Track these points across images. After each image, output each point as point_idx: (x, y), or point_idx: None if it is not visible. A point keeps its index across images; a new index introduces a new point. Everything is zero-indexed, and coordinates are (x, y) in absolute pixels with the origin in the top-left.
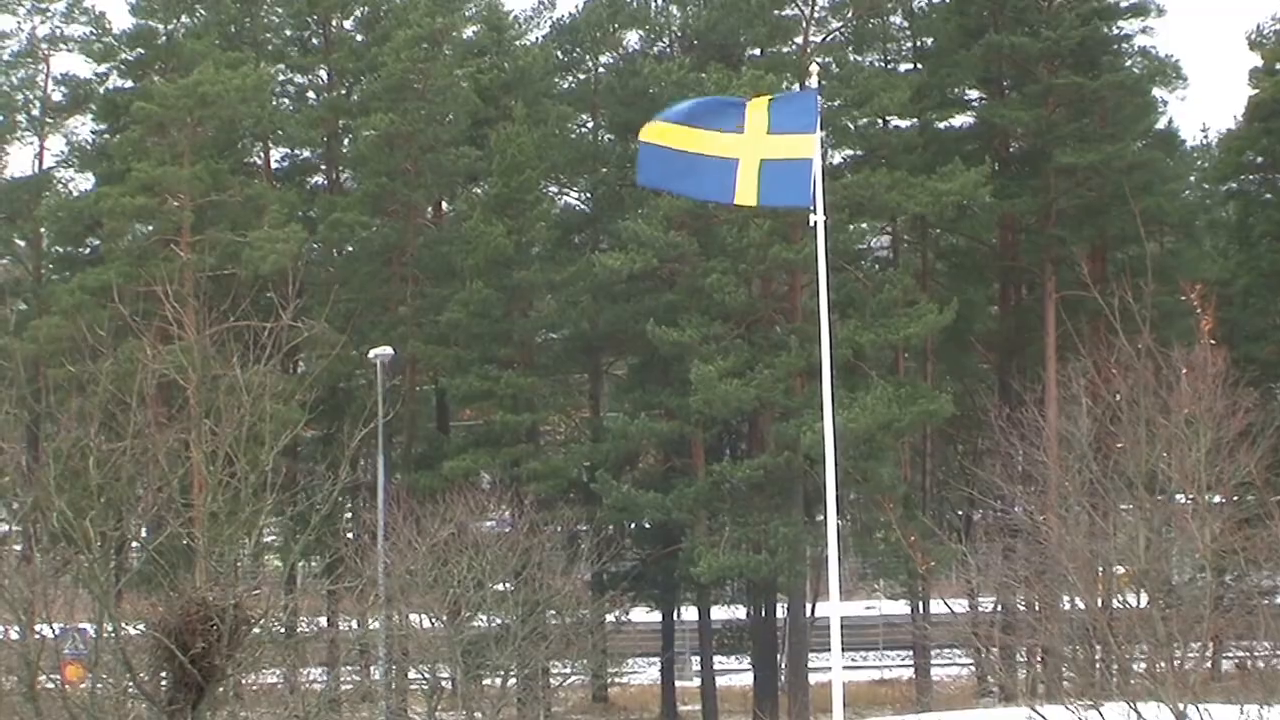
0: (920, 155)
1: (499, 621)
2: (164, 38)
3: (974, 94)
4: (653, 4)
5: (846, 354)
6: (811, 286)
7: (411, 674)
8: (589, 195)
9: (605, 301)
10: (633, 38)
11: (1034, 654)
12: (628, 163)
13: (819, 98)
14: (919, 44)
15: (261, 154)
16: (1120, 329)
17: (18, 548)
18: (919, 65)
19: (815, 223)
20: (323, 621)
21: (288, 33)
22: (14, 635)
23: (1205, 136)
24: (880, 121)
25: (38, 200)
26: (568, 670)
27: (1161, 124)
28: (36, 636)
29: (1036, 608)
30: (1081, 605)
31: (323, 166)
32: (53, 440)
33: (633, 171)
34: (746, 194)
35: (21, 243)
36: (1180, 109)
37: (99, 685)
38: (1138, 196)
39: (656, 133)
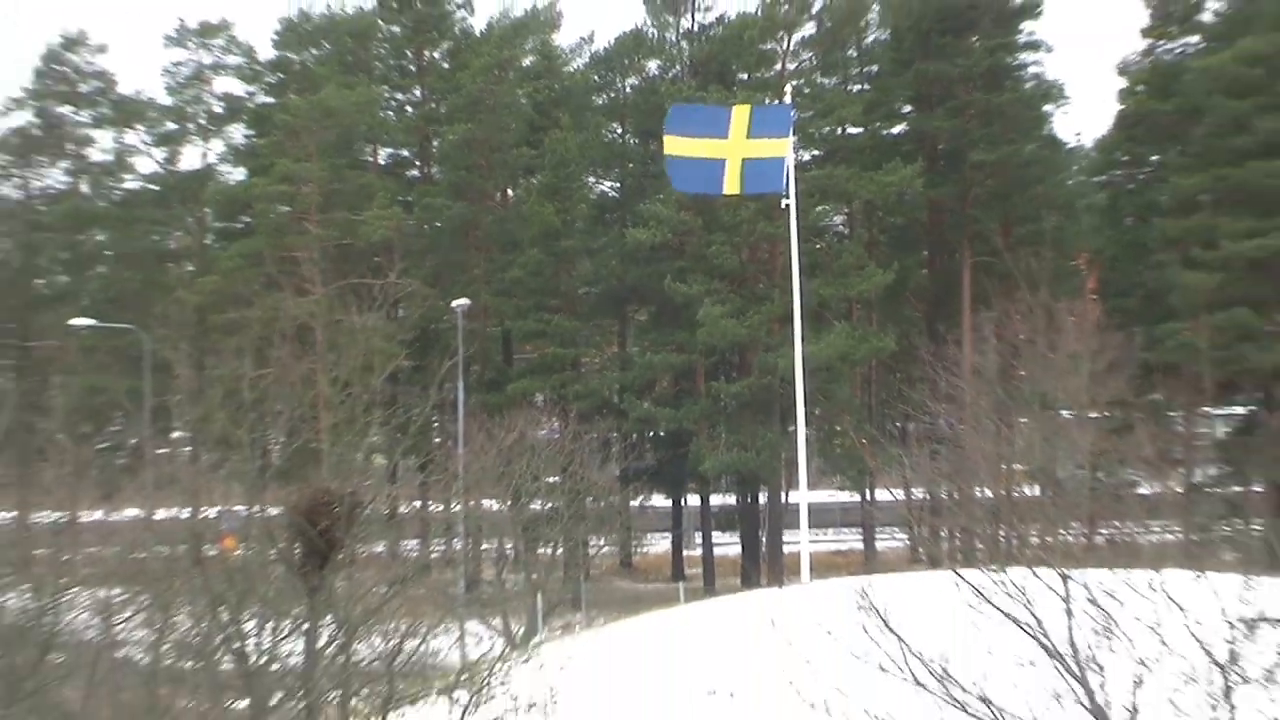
0: (869, 155)
1: (550, 506)
2: (298, 65)
3: (909, 108)
4: (667, 40)
5: (813, 304)
6: (787, 253)
7: (484, 545)
8: (619, 184)
9: (631, 265)
10: (652, 65)
11: (954, 531)
12: (649, 160)
13: (793, 111)
14: (868, 70)
15: (371, 153)
16: (1025, 286)
17: (188, 450)
18: (868, 86)
19: (787, 206)
20: (417, 505)
21: (391, 61)
22: (185, 515)
23: (1079, 139)
24: (839, 129)
25: (203, 187)
26: (601, 542)
27: (1049, 130)
28: (202, 516)
29: (955, 496)
30: (989, 494)
31: (417, 162)
32: (216, 369)
33: (652, 167)
34: (732, 185)
35: (190, 219)
36: (1060, 120)
37: (249, 553)
38: (1036, 185)
39: (671, 145)
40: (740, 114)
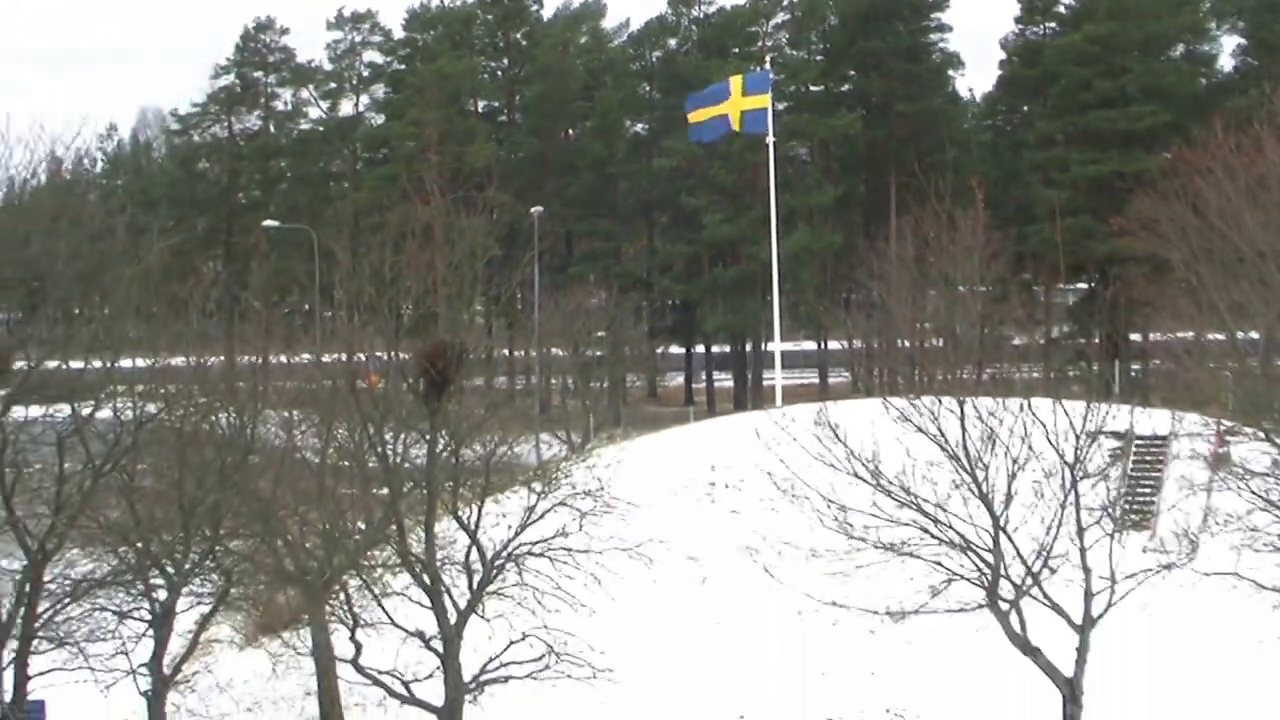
0: (824, 106)
1: (598, 353)
2: (422, 42)
3: (853, 73)
4: (682, 24)
5: (785, 212)
6: (767, 175)
7: (553, 380)
8: (648, 127)
9: (656, 184)
10: (672, 42)
11: (884, 371)
12: (670, 110)
13: (770, 75)
14: (825, 45)
15: (473, 105)
16: (934, 199)
17: (345, 313)
18: (824, 57)
19: (769, 143)
20: (505, 352)
21: (486, 40)
22: (343, 359)
23: (971, 95)
24: (803, 87)
25: (355, 129)
26: (634, 379)
27: (951, 89)
28: (355, 360)
29: (884, 346)
30: (909, 345)
31: (505, 112)
32: (365, 257)
33: (672, 115)
34: (736, 126)
35: (346, 151)
36: (959, 81)
37: (388, 385)
38: (942, 128)
39: (692, 117)
40: (736, 82)
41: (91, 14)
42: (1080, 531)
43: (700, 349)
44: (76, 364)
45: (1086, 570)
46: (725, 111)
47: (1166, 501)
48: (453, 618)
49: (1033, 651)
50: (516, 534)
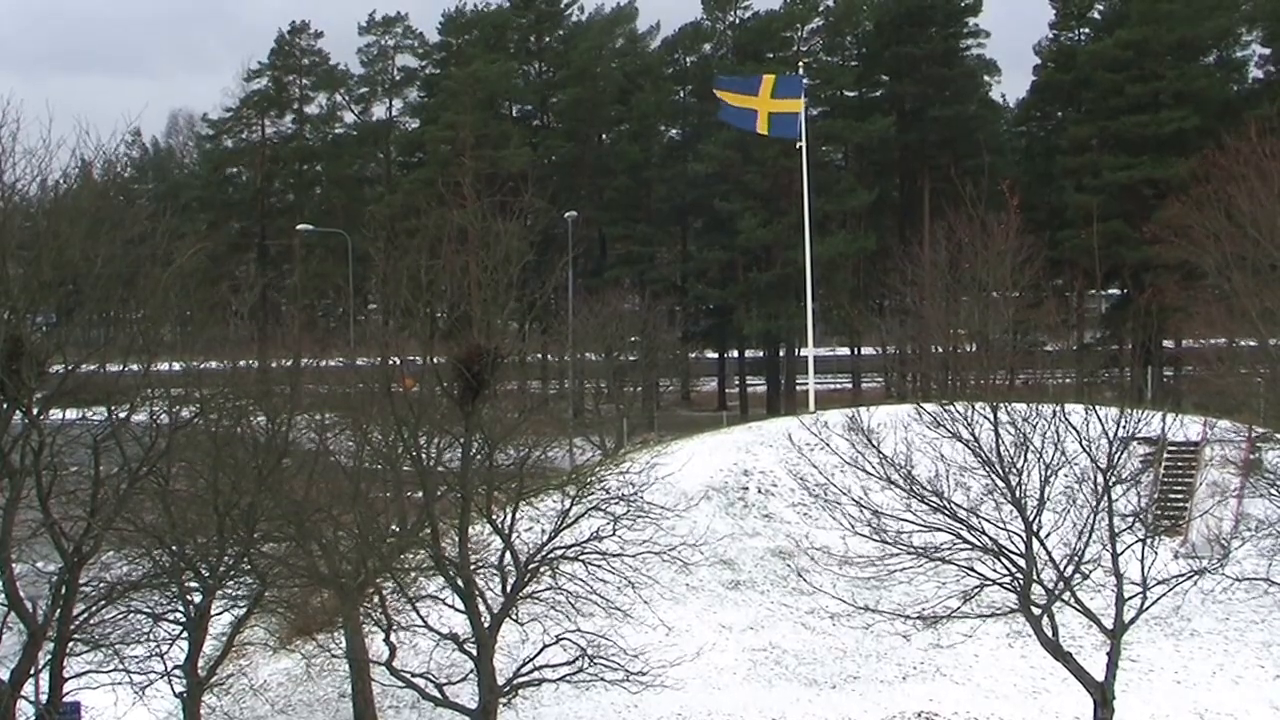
0: (858, 111)
1: (632, 357)
2: (456, 45)
3: (887, 78)
4: (718, 29)
5: (819, 216)
6: (801, 180)
7: (586, 384)
8: (683, 131)
9: (691, 188)
10: (706, 47)
11: (916, 375)
12: (705, 115)
13: (804, 80)
14: (859, 50)
15: (508, 108)
16: (967, 204)
17: (381, 316)
18: (858, 62)
19: (799, 147)
20: (539, 356)
21: (521, 44)
22: (377, 362)
23: (1005, 100)
24: (837, 92)
25: (388, 133)
26: (668, 383)
27: (985, 94)
28: (390, 363)
29: (917, 351)
30: (941, 350)
31: (538, 115)
32: (400, 260)
33: (707, 119)
34: (762, 128)
35: (380, 155)
36: (994, 86)
37: (422, 389)
38: (975, 133)
39: (721, 97)
40: (767, 82)
41: (122, 21)
42: (1112, 537)
43: (734, 354)
44: (113, 367)
45: (1118, 575)
46: (755, 108)
47: (1198, 507)
48: (486, 621)
49: (1064, 656)
50: (550, 538)
